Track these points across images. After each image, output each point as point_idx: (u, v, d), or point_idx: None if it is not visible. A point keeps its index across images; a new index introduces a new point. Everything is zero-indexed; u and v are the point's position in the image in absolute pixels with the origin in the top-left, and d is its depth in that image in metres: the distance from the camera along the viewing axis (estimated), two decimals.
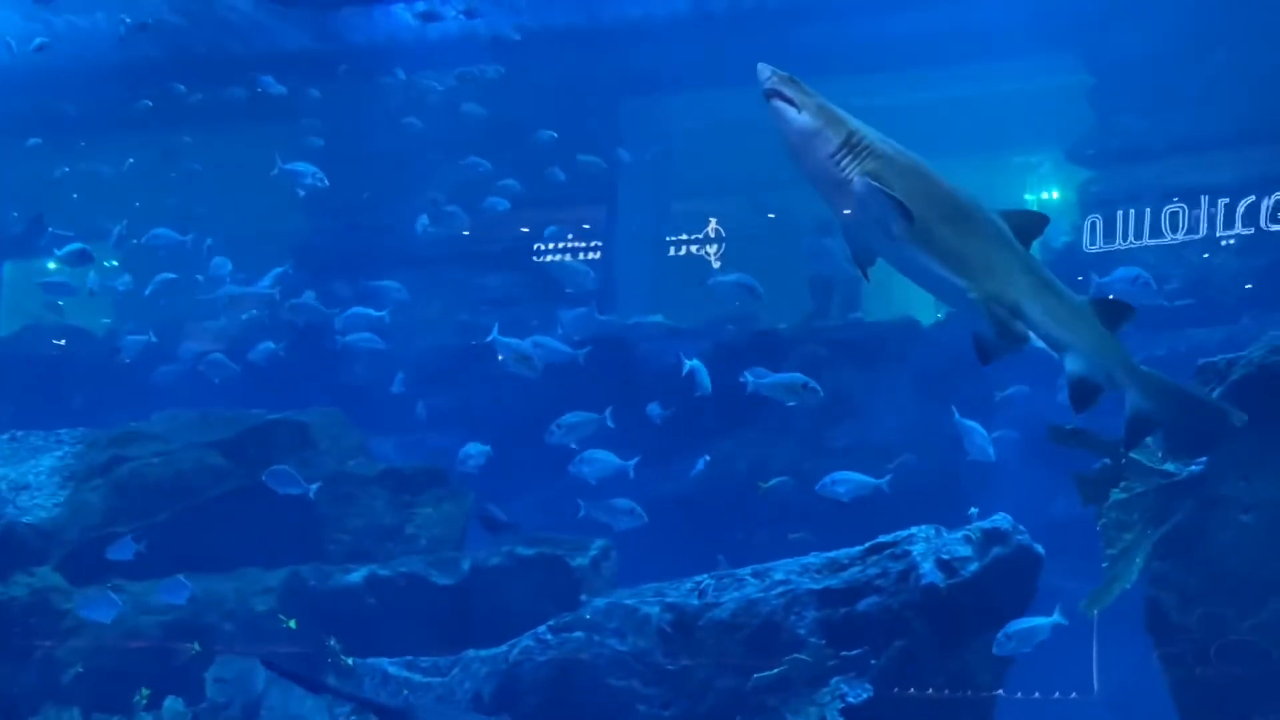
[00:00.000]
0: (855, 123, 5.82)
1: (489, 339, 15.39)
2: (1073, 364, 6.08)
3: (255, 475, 14.33)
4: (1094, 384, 6.15)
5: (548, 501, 16.50)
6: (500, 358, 15.37)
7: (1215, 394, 9.91)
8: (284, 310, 18.77)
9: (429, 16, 21.79)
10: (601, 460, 14.95)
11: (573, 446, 15.19)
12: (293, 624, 13.24)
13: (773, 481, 16.43)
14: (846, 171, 5.78)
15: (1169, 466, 9.89)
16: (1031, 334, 6.09)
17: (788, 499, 16.18)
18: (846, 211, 5.88)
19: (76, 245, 18.66)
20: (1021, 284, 6.03)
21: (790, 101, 5.80)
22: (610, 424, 15.30)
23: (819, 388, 14.82)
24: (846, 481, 14.79)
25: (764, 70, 5.98)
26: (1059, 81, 22.37)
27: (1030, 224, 6.07)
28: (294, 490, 14.09)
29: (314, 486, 14.13)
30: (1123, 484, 9.90)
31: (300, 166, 18.05)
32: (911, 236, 5.79)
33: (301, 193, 18.24)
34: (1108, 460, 10.07)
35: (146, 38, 22.16)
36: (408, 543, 14.83)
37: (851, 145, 5.82)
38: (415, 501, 15.12)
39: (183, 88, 22.42)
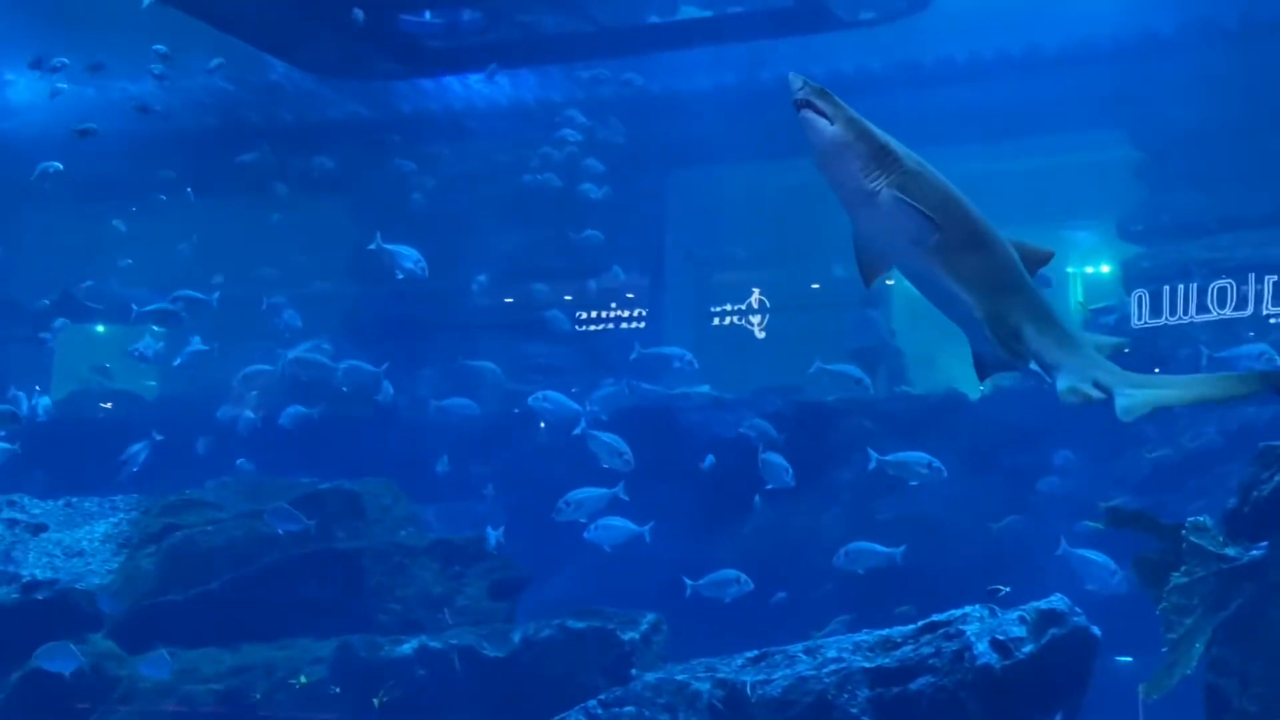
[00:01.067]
0: (885, 136, 5.95)
1: (577, 431, 15.57)
2: (1062, 380, 6.22)
3: (307, 545, 14.40)
4: (1084, 393, 6.29)
5: (587, 571, 16.63)
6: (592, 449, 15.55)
7: (1277, 479, 9.91)
8: (292, 365, 18.97)
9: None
10: (617, 527, 15.11)
11: (582, 520, 15.40)
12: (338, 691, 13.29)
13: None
14: (875, 184, 5.90)
15: (1230, 551, 9.85)
16: (1031, 358, 6.24)
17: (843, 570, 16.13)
18: (870, 223, 5.98)
19: (160, 305, 18.85)
20: (1024, 308, 6.19)
21: (821, 113, 5.92)
22: (624, 497, 15.45)
23: (943, 467, 14.94)
24: (861, 554, 14.94)
25: (795, 80, 6.11)
26: (1109, 156, 22.47)
27: (1037, 256, 6.23)
28: (293, 527, 14.22)
29: (312, 523, 14.25)
30: (1183, 568, 9.86)
31: (403, 250, 18.04)
32: (933, 251, 5.91)
33: (400, 275, 18.19)
34: (1167, 544, 10.04)
35: (200, 109, 22.45)
36: (459, 614, 14.84)
37: (880, 158, 5.95)
38: (465, 573, 15.14)
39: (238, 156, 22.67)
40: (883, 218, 5.96)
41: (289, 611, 14.50)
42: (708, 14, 19.87)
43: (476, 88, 23.20)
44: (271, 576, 14.78)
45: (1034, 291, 6.25)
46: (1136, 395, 6.37)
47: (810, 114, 5.91)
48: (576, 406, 17.88)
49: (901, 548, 15.13)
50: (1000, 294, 6.13)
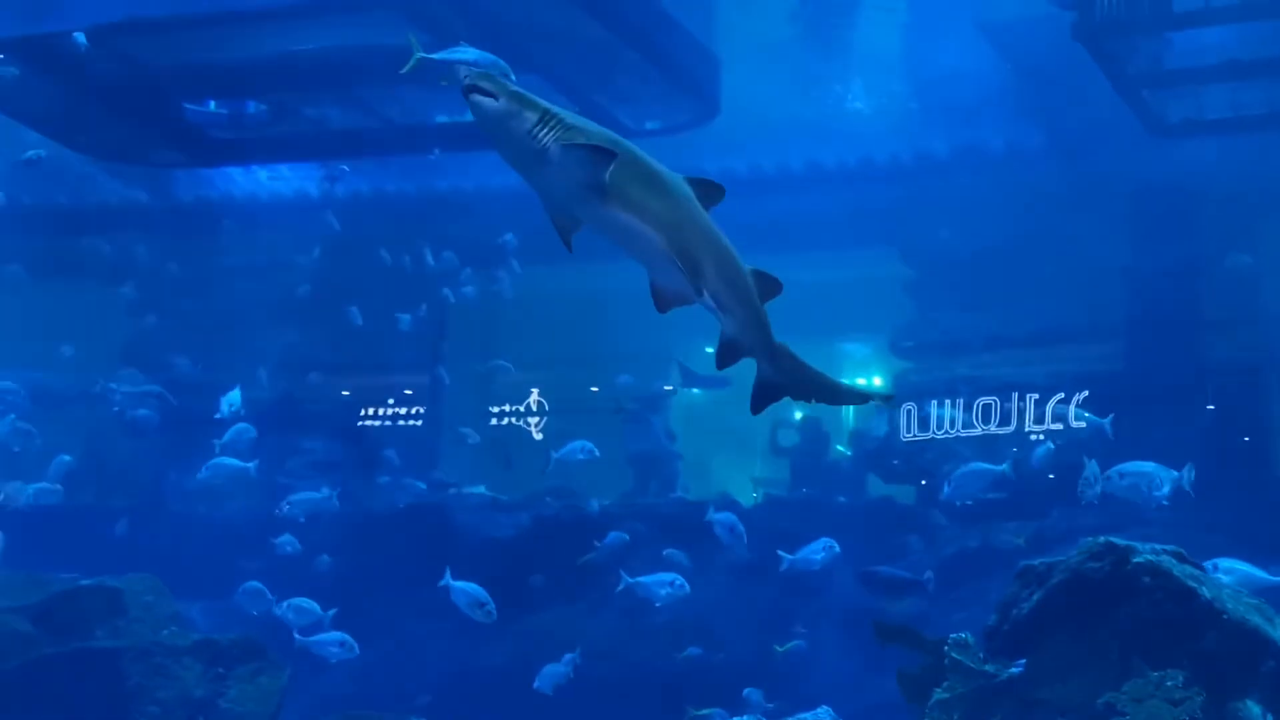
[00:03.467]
0: (547, 103, 6.13)
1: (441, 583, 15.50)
2: (728, 326, 6.44)
3: (64, 643, 13.86)
4: (740, 348, 6.52)
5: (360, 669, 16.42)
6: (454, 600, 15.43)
7: (1035, 598, 10.20)
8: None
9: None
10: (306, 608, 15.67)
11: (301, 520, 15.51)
12: None
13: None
14: (543, 141, 6.05)
15: (989, 668, 10.09)
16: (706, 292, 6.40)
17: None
18: (548, 182, 6.13)
19: None
20: (706, 246, 6.36)
21: (486, 93, 6.07)
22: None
23: (686, 584, 15.17)
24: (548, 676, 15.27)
25: (463, 71, 6.32)
26: (882, 273, 23.07)
27: (711, 191, 6.43)
28: None
29: None
30: (945, 683, 10.07)
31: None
32: (609, 194, 6.06)
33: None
34: (930, 659, 10.25)
35: None
36: (220, 718, 14.40)
37: (544, 120, 6.10)
38: (229, 674, 14.72)
39: None
40: (557, 172, 6.10)
41: (45, 714, 13.92)
42: None
43: (260, 179, 22.99)
44: (27, 676, 14.15)
45: (715, 232, 6.42)
46: (770, 381, 6.63)
47: (476, 96, 6.06)
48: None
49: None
50: (681, 229, 6.29)
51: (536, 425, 25.72)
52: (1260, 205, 19.48)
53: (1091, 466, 15.83)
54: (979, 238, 20.76)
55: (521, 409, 25.91)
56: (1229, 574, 11.53)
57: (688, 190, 6.46)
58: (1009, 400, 20.18)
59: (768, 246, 22.25)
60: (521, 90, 6.05)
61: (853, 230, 22.18)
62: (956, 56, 19.63)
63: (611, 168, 6.01)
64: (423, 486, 21.40)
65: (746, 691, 15.42)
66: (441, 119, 20.15)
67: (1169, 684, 9.43)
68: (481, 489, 21.20)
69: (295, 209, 23.67)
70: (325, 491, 18.78)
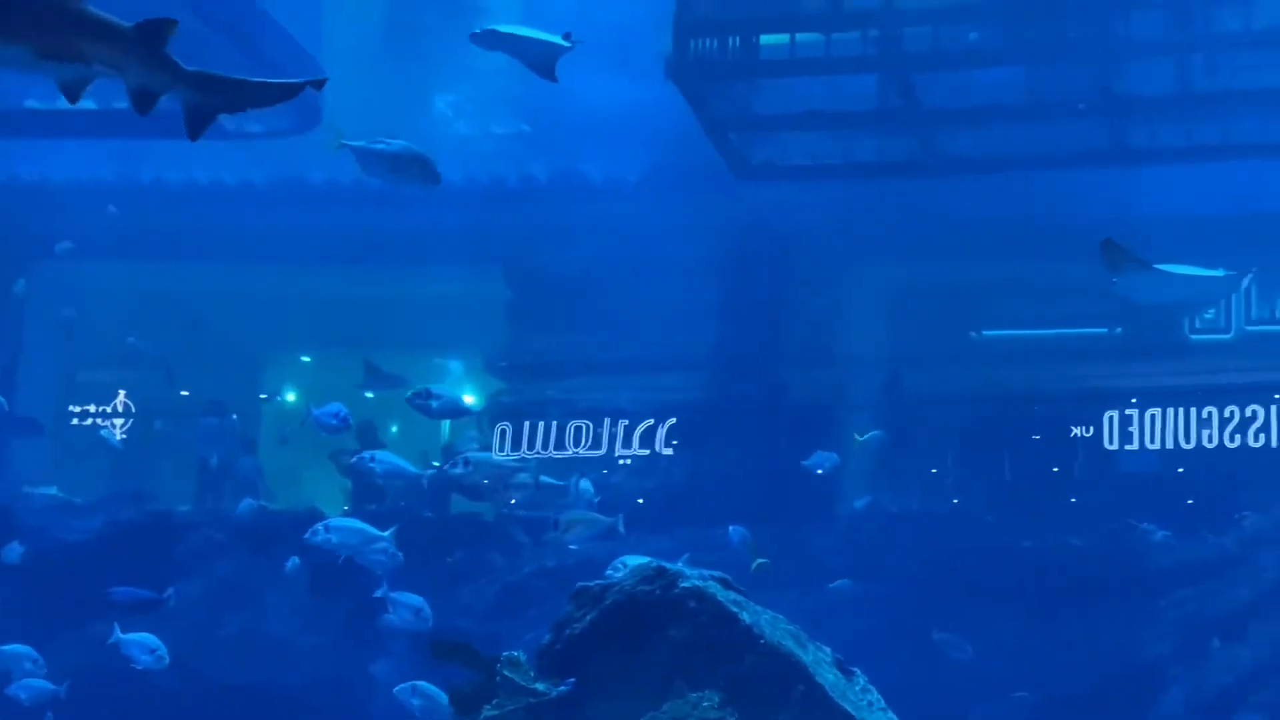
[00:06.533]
0: None
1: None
2: (130, 80, 6.39)
3: None
4: (152, 92, 6.50)
5: None
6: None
7: (588, 618, 10.44)
8: None
9: None
10: None
11: None
12: None
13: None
14: None
15: (540, 686, 10.25)
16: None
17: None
18: None
19: None
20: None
21: None
22: None
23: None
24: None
25: None
26: (482, 291, 23.21)
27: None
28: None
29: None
30: (495, 701, 10.19)
31: None
32: None
33: None
34: (483, 676, 10.35)
35: None
36: None
37: None
38: None
39: None
40: None
41: None
42: (90, 106, 19.24)
43: None
44: None
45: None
46: (195, 103, 6.43)
47: None
48: None
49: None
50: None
51: (121, 427, 24.82)
52: (839, 249, 20.52)
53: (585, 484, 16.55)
54: (575, 264, 21.13)
55: (107, 410, 25.00)
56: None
57: None
58: (600, 425, 20.65)
59: (371, 258, 22.39)
60: None
61: (456, 248, 22.26)
62: (562, 85, 19.95)
63: None
64: None
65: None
66: (31, 104, 19.38)
67: (705, 704, 9.78)
68: (54, 490, 20.32)
69: None
70: None
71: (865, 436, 19.22)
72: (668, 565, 10.54)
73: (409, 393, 16.47)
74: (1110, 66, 16.12)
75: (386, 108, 20.56)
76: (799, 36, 15.41)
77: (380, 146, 11.29)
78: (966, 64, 15.95)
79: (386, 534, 15.34)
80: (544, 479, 17.65)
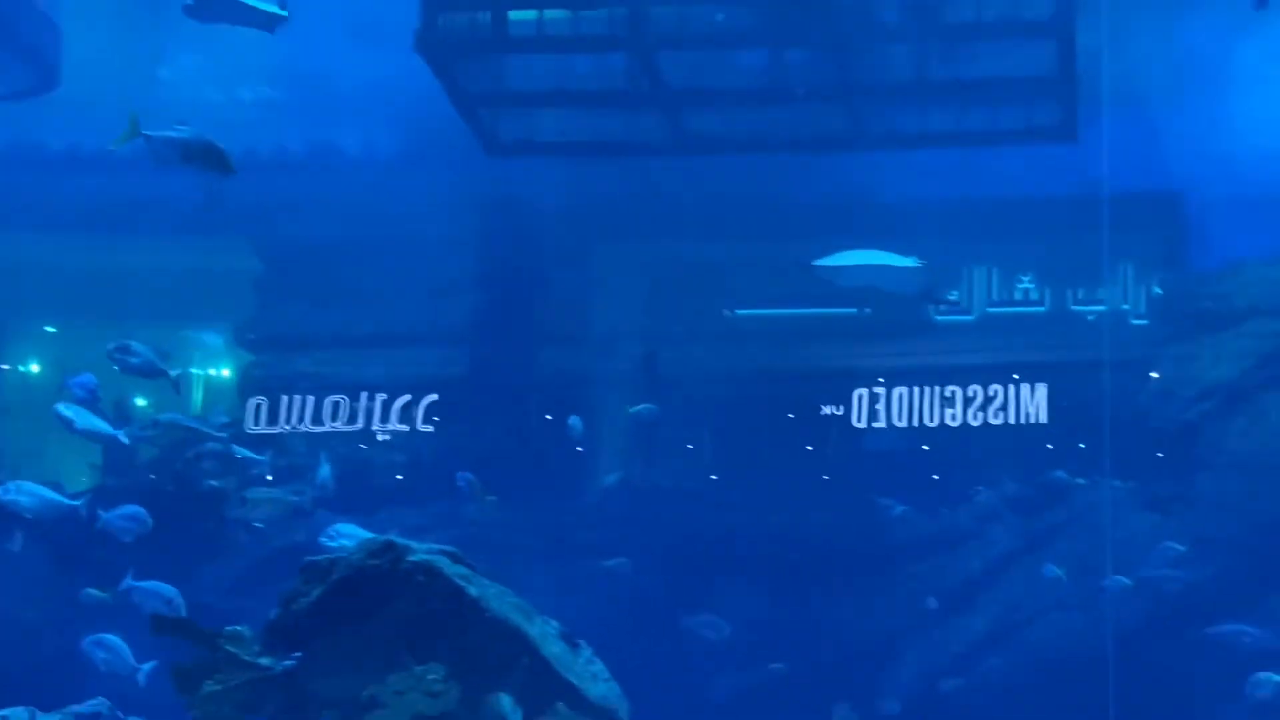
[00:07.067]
0: None
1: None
2: None
3: None
4: None
5: None
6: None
7: (316, 593, 10.36)
8: None
9: None
10: None
11: None
12: None
13: None
14: None
15: (264, 661, 10.16)
16: None
17: None
18: None
19: None
20: None
21: None
22: None
23: None
24: None
25: None
26: (232, 263, 22.72)
27: None
28: None
29: None
30: (218, 676, 10.06)
31: None
32: None
33: None
34: (206, 651, 10.21)
35: None
36: None
37: None
38: None
39: None
40: None
41: None
42: None
43: None
44: None
45: None
46: None
47: None
48: None
49: None
50: None
51: None
52: (593, 226, 20.63)
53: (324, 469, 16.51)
54: (330, 237, 20.86)
55: None
56: (349, 538, 12.20)
57: None
58: (357, 399, 20.45)
59: (111, 227, 21.76)
60: None
61: (205, 218, 21.76)
62: (319, 56, 19.68)
63: None
64: None
65: None
66: None
67: (430, 677, 9.83)
68: None
69: None
70: None
71: (637, 409, 19.46)
72: (397, 539, 10.53)
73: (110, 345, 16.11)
74: (851, 52, 16.49)
75: (129, 71, 20.02)
76: (547, 13, 15.45)
77: (171, 134, 11.02)
78: (712, 45, 16.18)
79: (78, 502, 15.04)
80: (241, 450, 17.43)
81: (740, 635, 18.45)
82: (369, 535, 10.69)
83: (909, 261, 13.39)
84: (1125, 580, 17.13)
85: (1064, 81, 16.58)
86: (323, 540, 12.17)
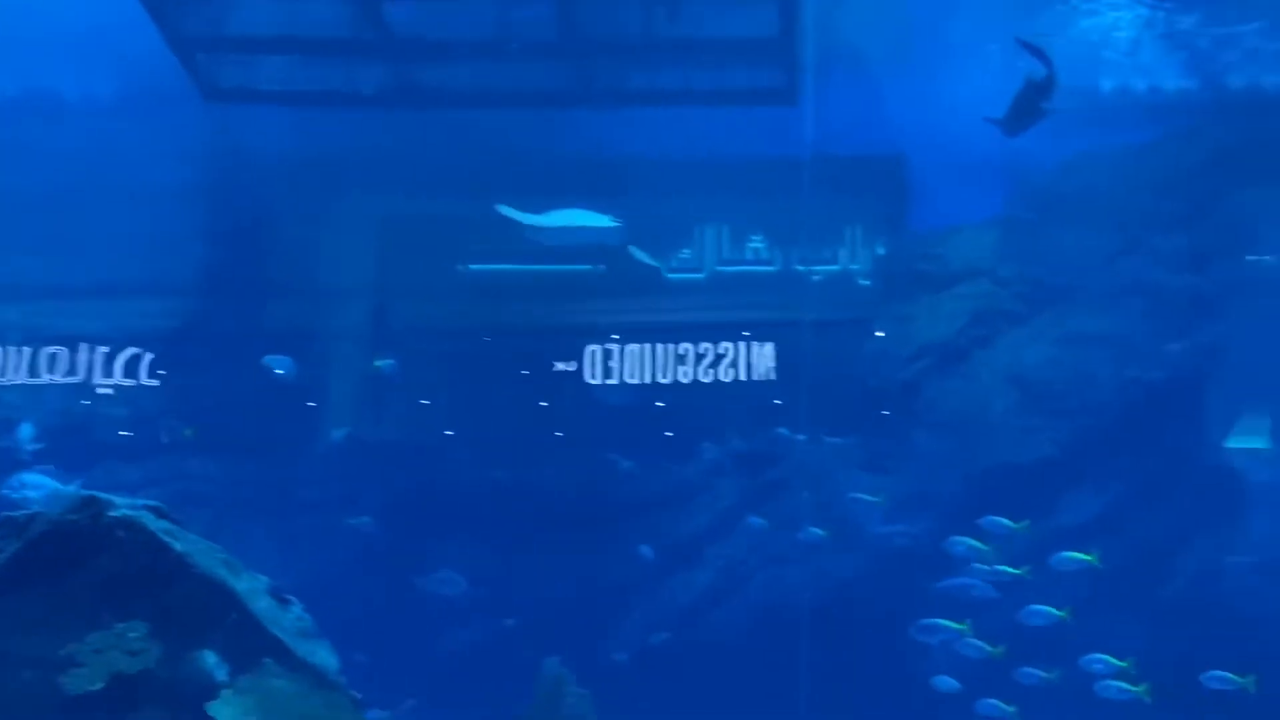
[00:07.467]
0: None
1: None
2: None
3: None
4: None
5: None
6: None
7: (12, 549, 10.02)
8: None
9: None
10: None
11: None
12: None
13: None
14: None
15: None
16: None
17: None
18: None
19: None
20: None
21: None
22: None
23: None
24: None
25: None
26: None
27: None
28: None
29: None
30: None
31: None
32: None
33: None
34: None
35: None
36: None
37: None
38: None
39: None
40: None
41: None
42: None
43: None
44: None
45: None
46: None
47: None
48: None
49: None
50: None
51: None
52: (320, 178, 20.29)
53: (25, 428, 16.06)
54: (47, 184, 20.11)
55: None
56: (36, 489, 11.95)
57: None
58: (77, 351, 19.83)
59: None
60: None
61: None
62: None
63: None
64: None
65: None
66: None
67: (131, 635, 9.60)
68: None
69: None
70: None
71: (381, 363, 19.28)
72: (99, 494, 10.22)
73: None
74: (579, 8, 16.49)
75: None
76: None
77: None
78: None
79: None
80: None
81: (471, 589, 18.48)
82: (57, 486, 10.33)
83: (606, 221, 13.51)
84: (819, 532, 17.58)
85: (784, 46, 16.84)
86: (5, 492, 11.70)
